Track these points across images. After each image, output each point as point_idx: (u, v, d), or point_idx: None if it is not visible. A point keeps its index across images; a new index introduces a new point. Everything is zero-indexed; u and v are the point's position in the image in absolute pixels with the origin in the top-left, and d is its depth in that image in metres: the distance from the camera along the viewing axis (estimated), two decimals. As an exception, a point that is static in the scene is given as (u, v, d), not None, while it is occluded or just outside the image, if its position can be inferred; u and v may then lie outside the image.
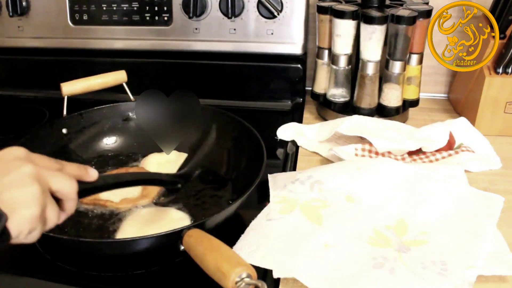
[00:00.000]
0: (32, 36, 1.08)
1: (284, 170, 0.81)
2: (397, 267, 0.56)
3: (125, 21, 1.03)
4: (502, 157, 0.83)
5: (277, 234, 0.61)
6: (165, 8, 1.01)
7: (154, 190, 0.73)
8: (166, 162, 0.82)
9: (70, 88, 0.83)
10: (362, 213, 0.66)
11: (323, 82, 1.00)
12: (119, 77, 0.87)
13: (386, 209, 0.67)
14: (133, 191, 0.72)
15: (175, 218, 0.67)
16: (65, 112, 0.83)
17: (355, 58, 0.96)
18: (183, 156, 0.83)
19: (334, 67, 0.96)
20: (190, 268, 0.51)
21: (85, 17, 1.04)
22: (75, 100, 0.84)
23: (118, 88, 0.87)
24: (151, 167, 0.80)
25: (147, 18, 1.02)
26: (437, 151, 0.82)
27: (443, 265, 0.56)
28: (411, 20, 0.87)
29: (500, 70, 0.89)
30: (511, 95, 0.90)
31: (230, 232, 0.61)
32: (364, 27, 0.89)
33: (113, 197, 0.71)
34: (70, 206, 0.46)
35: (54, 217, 0.43)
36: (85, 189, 0.48)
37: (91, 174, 0.48)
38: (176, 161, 0.82)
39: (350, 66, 0.96)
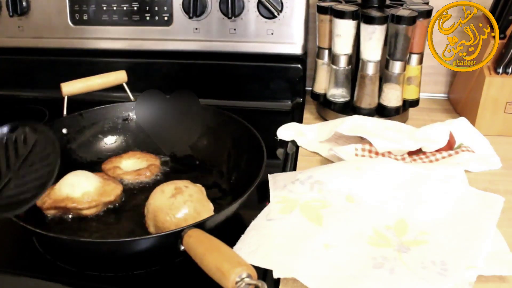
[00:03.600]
0: (32, 36, 1.08)
1: (284, 170, 0.82)
2: (397, 267, 0.56)
3: (125, 21, 1.03)
4: (502, 157, 0.83)
5: (277, 234, 0.61)
6: (165, 8, 1.01)
7: (117, 189, 0.72)
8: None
9: (70, 88, 0.83)
10: (362, 213, 0.66)
11: (323, 82, 1.00)
12: (119, 77, 0.87)
13: (386, 209, 0.67)
14: (90, 187, 0.69)
15: None
16: (65, 112, 0.82)
17: (355, 58, 0.96)
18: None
19: (334, 67, 0.96)
20: (190, 268, 0.51)
21: (85, 17, 1.04)
22: (75, 100, 0.83)
23: (118, 88, 0.87)
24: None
25: (147, 18, 1.02)
26: (437, 151, 0.82)
27: (443, 265, 0.56)
28: (411, 20, 0.87)
29: (500, 70, 0.89)
30: (511, 95, 0.90)
31: (230, 232, 0.61)
32: (364, 27, 0.89)
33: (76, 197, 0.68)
34: None
35: None
36: None
37: None
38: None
39: (350, 66, 0.96)
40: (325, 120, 0.98)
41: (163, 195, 0.65)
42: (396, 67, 0.92)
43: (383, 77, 0.95)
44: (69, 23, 1.05)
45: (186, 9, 0.99)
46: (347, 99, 0.98)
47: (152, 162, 0.81)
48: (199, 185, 0.70)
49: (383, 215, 0.66)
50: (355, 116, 0.90)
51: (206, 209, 0.65)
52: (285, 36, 1.00)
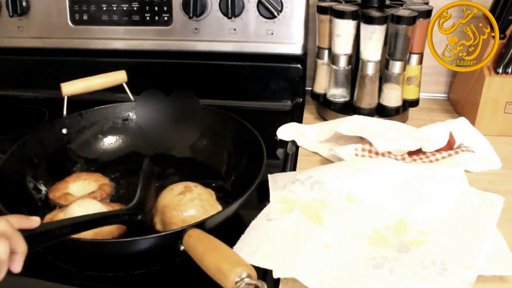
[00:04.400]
0: (32, 36, 1.08)
1: (284, 170, 0.82)
2: (397, 267, 0.56)
3: (125, 21, 1.03)
4: (502, 157, 0.83)
5: (277, 234, 0.61)
6: (165, 8, 1.01)
7: (115, 231, 0.64)
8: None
9: (70, 88, 0.83)
10: (362, 213, 0.66)
11: (323, 82, 1.00)
12: (119, 77, 0.87)
13: (386, 209, 0.67)
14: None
15: None
16: (65, 112, 0.82)
17: (355, 58, 0.96)
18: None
19: (334, 67, 0.96)
20: (190, 268, 0.51)
21: (85, 17, 1.04)
22: (75, 100, 0.83)
23: (118, 88, 0.87)
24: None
25: (147, 18, 1.02)
26: (437, 151, 0.82)
27: (443, 265, 0.56)
28: (411, 20, 0.87)
29: (500, 70, 0.89)
30: (511, 95, 0.90)
31: (230, 232, 0.61)
32: (364, 27, 0.89)
33: None
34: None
35: None
36: (38, 238, 0.48)
37: (33, 222, 0.48)
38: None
39: (350, 66, 0.96)
40: (325, 120, 0.98)
41: (171, 193, 0.65)
42: (396, 67, 0.92)
43: (383, 77, 0.95)
44: (69, 23, 1.05)
45: (186, 9, 0.99)
46: (347, 99, 0.98)
47: (102, 182, 0.75)
48: (209, 189, 0.69)
49: (383, 215, 0.66)
50: (355, 116, 0.90)
51: (214, 209, 0.65)
52: (285, 36, 1.00)
